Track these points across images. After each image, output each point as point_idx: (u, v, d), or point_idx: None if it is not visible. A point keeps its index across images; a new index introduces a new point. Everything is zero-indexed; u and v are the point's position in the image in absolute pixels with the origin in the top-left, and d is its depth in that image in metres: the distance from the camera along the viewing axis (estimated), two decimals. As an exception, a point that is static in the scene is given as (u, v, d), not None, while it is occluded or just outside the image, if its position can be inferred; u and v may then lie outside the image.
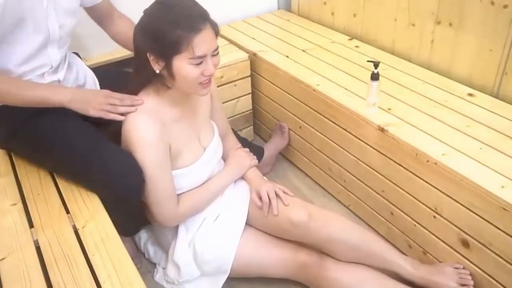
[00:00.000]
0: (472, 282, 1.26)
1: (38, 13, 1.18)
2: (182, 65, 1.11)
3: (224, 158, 1.49)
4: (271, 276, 1.36)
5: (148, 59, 1.13)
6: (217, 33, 1.15)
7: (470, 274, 1.27)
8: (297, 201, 1.34)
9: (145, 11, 1.14)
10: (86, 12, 1.44)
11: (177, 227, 1.36)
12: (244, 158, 1.48)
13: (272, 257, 1.33)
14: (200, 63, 1.12)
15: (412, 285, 1.31)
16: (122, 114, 1.20)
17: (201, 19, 1.10)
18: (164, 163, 1.22)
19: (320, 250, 1.31)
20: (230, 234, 1.33)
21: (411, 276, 1.31)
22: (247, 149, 1.54)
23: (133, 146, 1.19)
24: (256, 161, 1.51)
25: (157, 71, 1.15)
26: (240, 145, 1.56)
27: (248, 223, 1.37)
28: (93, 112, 1.20)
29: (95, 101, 1.20)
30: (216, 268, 1.32)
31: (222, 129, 1.50)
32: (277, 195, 1.33)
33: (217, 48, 1.15)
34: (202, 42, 1.09)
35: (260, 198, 1.34)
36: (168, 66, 1.12)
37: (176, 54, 1.10)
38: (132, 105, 1.20)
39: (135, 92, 1.23)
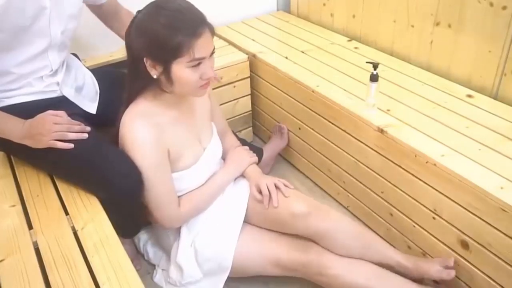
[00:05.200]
0: (454, 272, 1.28)
1: (41, 21, 1.19)
2: (181, 69, 1.11)
3: (224, 156, 1.50)
4: (269, 274, 1.36)
5: (145, 64, 1.12)
6: (213, 34, 1.15)
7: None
8: (297, 193, 1.35)
9: (140, 14, 1.12)
10: (92, 11, 1.44)
11: (179, 229, 1.36)
12: (243, 155, 1.48)
13: (269, 255, 1.32)
14: (198, 65, 1.12)
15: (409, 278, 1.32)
16: (71, 141, 1.18)
17: (200, 23, 1.10)
18: (162, 165, 1.22)
19: (319, 243, 1.31)
20: (228, 231, 1.33)
21: (403, 267, 1.33)
22: (246, 147, 1.55)
23: (131, 150, 1.19)
24: (256, 158, 1.51)
25: (155, 76, 1.14)
26: (239, 143, 1.57)
27: (247, 220, 1.37)
28: (43, 145, 1.18)
29: (42, 134, 1.17)
30: (217, 266, 1.32)
31: (221, 128, 1.50)
32: (277, 187, 1.33)
33: (213, 50, 1.16)
34: (202, 46, 1.10)
35: (260, 192, 1.34)
36: (167, 71, 1.12)
37: (176, 58, 1.09)
38: (82, 132, 1.20)
39: (131, 98, 1.22)
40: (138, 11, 1.14)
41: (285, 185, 1.35)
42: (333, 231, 1.28)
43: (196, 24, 1.09)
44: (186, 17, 1.09)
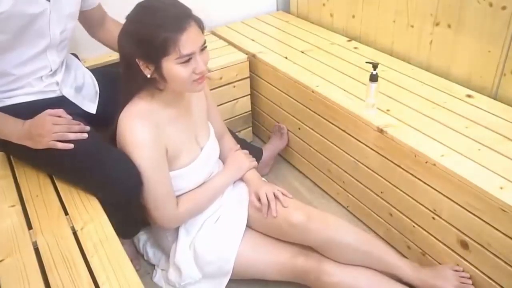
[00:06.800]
0: (472, 287, 1.26)
1: (42, 21, 1.19)
2: (171, 66, 1.11)
3: (223, 159, 1.49)
4: (270, 279, 1.36)
5: (138, 65, 1.12)
6: (202, 28, 1.15)
7: (470, 277, 1.27)
8: (295, 203, 1.34)
9: (128, 17, 1.13)
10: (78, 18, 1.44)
11: (177, 230, 1.36)
12: (243, 159, 1.48)
13: (269, 261, 1.32)
14: (189, 61, 1.12)
15: (411, 287, 1.31)
16: (71, 141, 1.18)
17: (184, 17, 1.10)
18: (160, 164, 1.22)
19: (320, 252, 1.31)
20: (231, 235, 1.33)
21: (411, 278, 1.30)
22: (246, 151, 1.54)
23: (128, 150, 1.19)
24: (256, 163, 1.51)
25: (148, 76, 1.14)
26: (238, 146, 1.56)
27: (248, 225, 1.37)
28: (42, 146, 1.18)
29: (42, 135, 1.17)
30: (218, 269, 1.32)
31: (218, 130, 1.50)
32: (276, 197, 1.33)
33: (204, 43, 1.15)
34: (188, 40, 1.09)
35: (259, 200, 1.34)
36: (158, 69, 1.12)
37: (164, 56, 1.09)
38: (82, 131, 1.20)
39: (128, 100, 1.22)
40: (128, 15, 1.14)
41: (284, 194, 1.35)
42: (333, 241, 1.27)
43: (180, 19, 1.09)
44: (169, 14, 1.09)
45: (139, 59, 1.12)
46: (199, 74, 1.15)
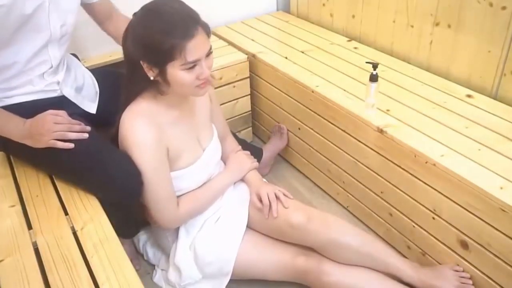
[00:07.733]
0: (472, 287, 1.26)
1: (41, 15, 1.19)
2: (176, 71, 1.10)
3: (224, 159, 1.49)
4: (270, 279, 1.36)
5: (142, 66, 1.12)
6: (208, 34, 1.14)
7: (470, 278, 1.27)
8: (296, 203, 1.34)
9: (134, 20, 1.12)
10: (86, 11, 1.44)
11: (177, 230, 1.36)
12: (244, 160, 1.48)
13: (270, 261, 1.33)
14: (194, 67, 1.11)
15: (411, 287, 1.32)
16: (72, 141, 1.18)
17: (192, 23, 1.09)
18: (162, 165, 1.22)
19: (320, 252, 1.31)
20: (231, 235, 1.33)
21: (411, 279, 1.30)
22: (247, 152, 1.54)
23: (130, 150, 1.19)
24: (257, 163, 1.51)
25: (151, 78, 1.14)
26: (240, 147, 1.56)
27: (248, 225, 1.37)
28: (42, 145, 1.18)
29: (42, 134, 1.17)
30: (218, 270, 1.32)
31: (221, 131, 1.50)
32: (277, 197, 1.33)
33: (210, 49, 1.14)
34: (195, 47, 1.08)
35: (260, 200, 1.34)
36: (163, 73, 1.11)
37: (170, 61, 1.09)
38: (82, 131, 1.20)
39: (130, 100, 1.22)
40: (134, 14, 1.14)
41: (285, 195, 1.35)
42: (333, 242, 1.28)
43: (188, 26, 1.08)
44: (178, 20, 1.08)
45: (144, 61, 1.11)
46: (202, 80, 1.15)
